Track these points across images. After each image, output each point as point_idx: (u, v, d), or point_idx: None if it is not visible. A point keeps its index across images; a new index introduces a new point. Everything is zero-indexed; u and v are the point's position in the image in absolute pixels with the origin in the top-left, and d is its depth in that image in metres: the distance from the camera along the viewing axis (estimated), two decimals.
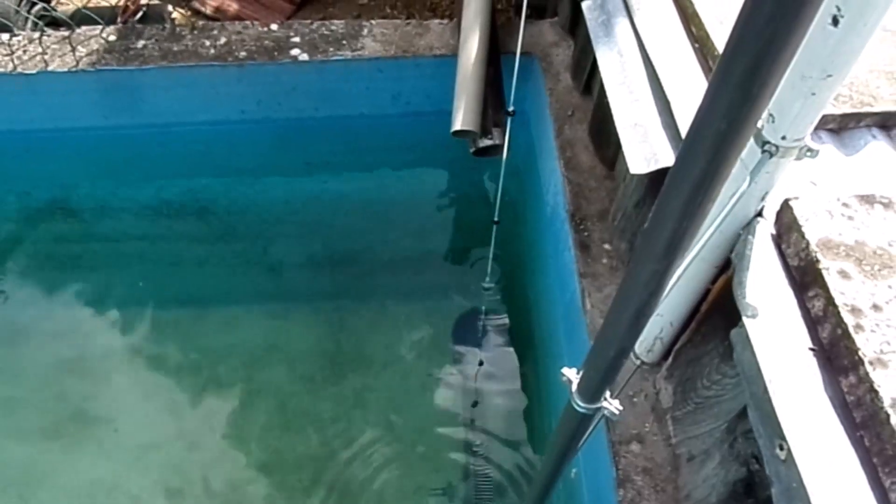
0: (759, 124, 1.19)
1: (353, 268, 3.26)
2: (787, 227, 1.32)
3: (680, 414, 1.82)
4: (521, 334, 3.10)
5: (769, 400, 1.17)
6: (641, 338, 1.86)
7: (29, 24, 3.07)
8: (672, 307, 1.70)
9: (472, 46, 2.57)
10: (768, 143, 1.18)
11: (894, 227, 1.28)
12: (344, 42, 2.90)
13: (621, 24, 1.99)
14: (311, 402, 2.90)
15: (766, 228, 1.37)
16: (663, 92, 1.71)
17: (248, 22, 3.01)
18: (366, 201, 3.39)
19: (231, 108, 2.99)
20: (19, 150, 3.11)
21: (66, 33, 2.89)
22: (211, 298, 3.19)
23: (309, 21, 2.99)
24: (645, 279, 0.93)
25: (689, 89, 1.67)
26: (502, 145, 2.48)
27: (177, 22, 3.53)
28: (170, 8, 3.64)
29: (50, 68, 2.79)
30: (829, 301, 1.19)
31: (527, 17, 2.32)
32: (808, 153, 1.19)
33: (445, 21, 3.01)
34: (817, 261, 1.22)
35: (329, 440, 2.81)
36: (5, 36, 2.89)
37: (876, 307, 1.16)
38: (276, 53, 2.85)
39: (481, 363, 3.02)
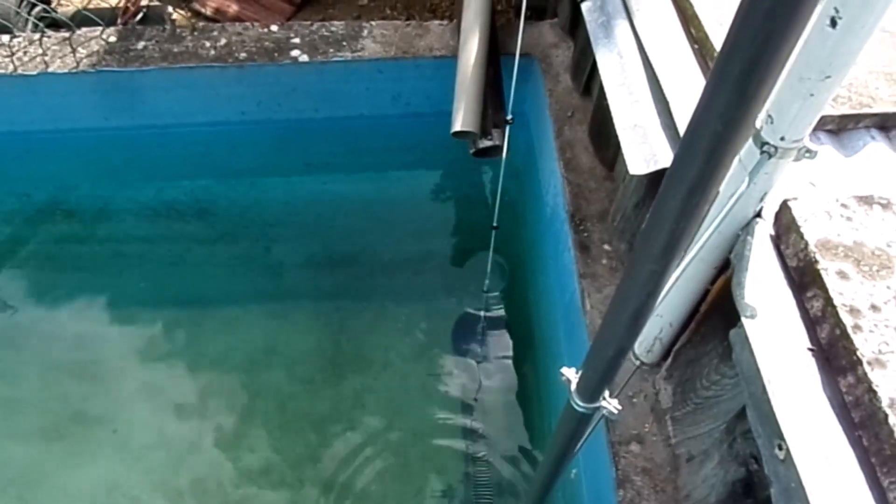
0: (758, 125, 1.19)
1: (353, 269, 3.26)
2: (785, 228, 1.32)
3: (679, 414, 1.82)
4: (521, 335, 3.10)
5: (768, 400, 1.17)
6: (641, 338, 1.86)
7: (29, 26, 3.07)
8: (671, 308, 1.70)
9: (471, 47, 2.57)
10: (767, 143, 1.18)
11: (893, 227, 1.29)
12: (344, 43, 2.90)
13: (621, 25, 1.99)
14: (311, 402, 2.90)
15: (764, 229, 1.37)
16: (663, 93, 1.72)
17: (248, 23, 3.02)
18: (366, 202, 3.39)
19: (231, 109, 2.99)
20: (20, 152, 3.11)
21: (67, 35, 2.89)
22: (211, 299, 3.19)
23: (309, 22, 2.99)
24: (643, 280, 0.93)
25: (688, 90, 1.67)
26: (502, 146, 2.48)
27: (177, 23, 3.54)
28: (170, 9, 3.64)
29: (50, 70, 2.79)
30: (828, 301, 1.19)
31: (526, 18, 2.32)
32: (807, 154, 1.19)
33: (445, 22, 3.01)
34: (816, 261, 1.23)
35: (329, 441, 2.81)
36: (5, 37, 2.89)
37: (874, 308, 1.16)
38: (276, 54, 2.85)
39: (481, 364, 3.02)
